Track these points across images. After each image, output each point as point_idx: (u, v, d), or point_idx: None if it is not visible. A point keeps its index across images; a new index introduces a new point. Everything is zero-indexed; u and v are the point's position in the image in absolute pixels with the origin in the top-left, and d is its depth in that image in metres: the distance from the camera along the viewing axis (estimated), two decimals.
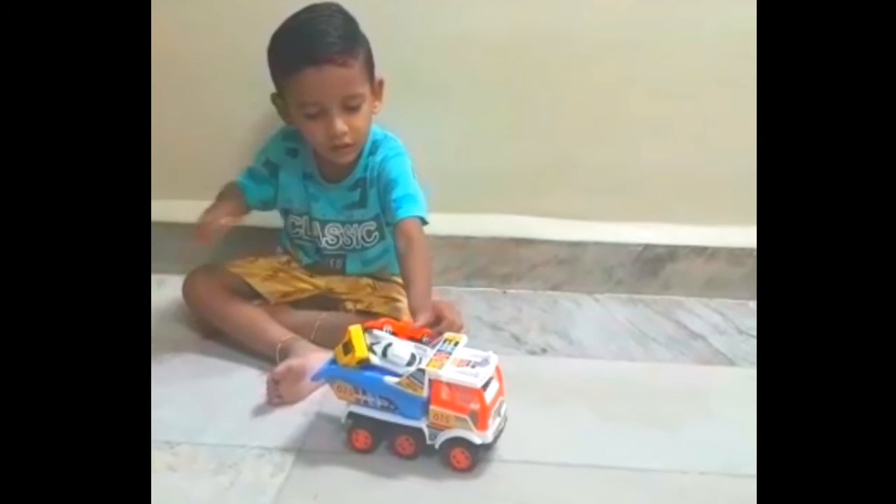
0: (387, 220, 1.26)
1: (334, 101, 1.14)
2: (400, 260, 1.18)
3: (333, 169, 1.26)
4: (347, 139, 1.17)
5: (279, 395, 1.12)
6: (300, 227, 1.31)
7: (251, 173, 1.29)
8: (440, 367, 0.96)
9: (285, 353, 1.17)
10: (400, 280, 1.35)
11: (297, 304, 1.31)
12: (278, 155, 1.27)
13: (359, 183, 1.26)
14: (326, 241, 1.29)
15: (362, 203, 1.27)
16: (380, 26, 1.22)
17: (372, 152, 1.25)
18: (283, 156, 1.27)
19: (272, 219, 1.38)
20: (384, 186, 1.24)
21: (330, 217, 1.28)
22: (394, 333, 1.01)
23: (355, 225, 1.28)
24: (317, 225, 1.29)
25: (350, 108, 1.16)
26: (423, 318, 1.03)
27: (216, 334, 1.28)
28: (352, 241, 1.29)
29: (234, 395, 1.15)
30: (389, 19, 1.23)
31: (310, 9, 1.17)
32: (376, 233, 1.30)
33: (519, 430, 1.02)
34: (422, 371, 0.95)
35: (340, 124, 1.15)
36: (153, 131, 0.90)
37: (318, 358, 1.11)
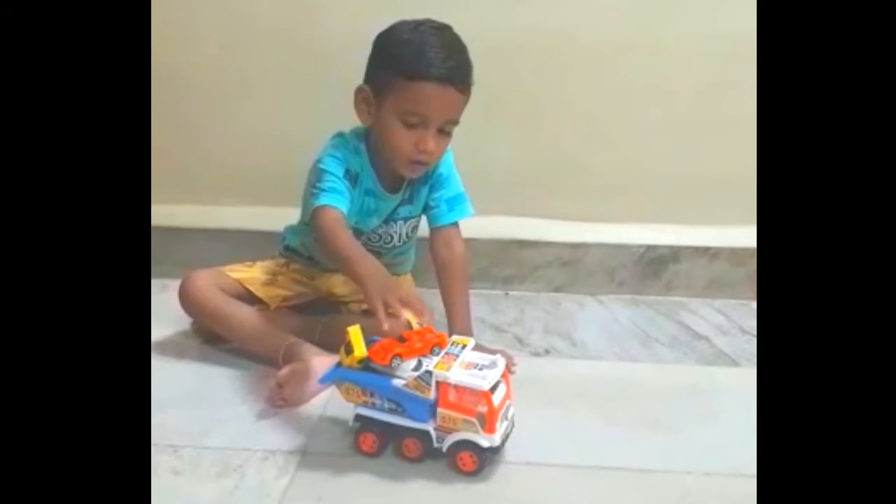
0: (430, 219, 1.28)
1: (438, 120, 1.14)
2: (441, 273, 1.25)
3: (391, 181, 1.24)
4: (431, 159, 1.17)
5: (283, 398, 1.12)
6: None
7: (331, 191, 1.17)
8: (448, 369, 0.95)
9: (289, 357, 1.17)
10: (405, 281, 1.36)
11: (298, 309, 1.31)
12: (356, 166, 1.21)
13: (410, 182, 1.26)
14: (368, 239, 1.28)
15: (410, 199, 1.27)
16: (382, 27, 1.22)
17: None
18: (359, 169, 1.22)
19: (270, 222, 1.38)
20: (433, 184, 1.26)
21: (378, 222, 1.27)
22: (399, 355, 0.98)
23: (400, 222, 1.28)
24: (365, 236, 1.27)
25: (444, 131, 1.16)
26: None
27: (219, 338, 1.27)
28: (392, 238, 1.29)
29: (238, 398, 1.15)
30: (390, 19, 1.22)
31: (435, 25, 1.15)
32: (416, 228, 1.31)
33: (523, 431, 1.02)
34: (429, 373, 0.95)
35: (433, 143, 1.15)
36: (160, 137, 0.90)
37: (321, 361, 1.11)
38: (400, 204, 1.27)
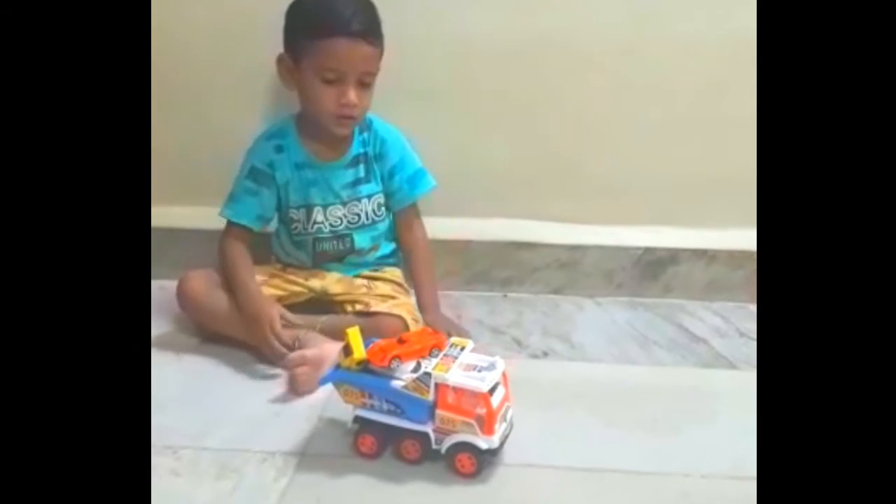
0: (393, 202, 1.33)
1: (354, 73, 1.21)
2: (407, 256, 1.35)
3: (327, 148, 1.29)
4: (355, 112, 1.22)
5: (302, 382, 1.13)
6: (299, 221, 1.31)
7: (234, 199, 1.30)
8: (446, 371, 0.96)
9: (298, 347, 1.18)
10: (396, 278, 1.37)
11: (294, 309, 1.30)
12: (267, 156, 1.29)
13: (359, 159, 1.31)
14: (330, 224, 1.31)
15: (368, 178, 1.31)
16: (383, 28, 1.22)
17: (365, 129, 1.31)
18: (273, 155, 1.29)
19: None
20: (390, 169, 1.31)
21: (330, 200, 1.30)
22: (398, 357, 0.98)
23: (364, 200, 1.32)
24: (317, 212, 1.30)
25: (363, 84, 1.22)
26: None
27: (216, 339, 1.27)
28: (359, 217, 1.32)
29: (237, 399, 1.15)
30: (391, 23, 1.23)
31: None
32: (384, 206, 1.34)
33: (521, 433, 1.02)
34: (428, 375, 0.95)
35: (353, 95, 1.21)
36: (156, 137, 0.90)
37: (331, 348, 1.14)
38: (357, 183, 1.30)
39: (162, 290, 1.30)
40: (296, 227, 1.32)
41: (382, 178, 1.33)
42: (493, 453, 0.97)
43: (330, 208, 1.31)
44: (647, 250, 1.45)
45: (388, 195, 1.34)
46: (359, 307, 1.30)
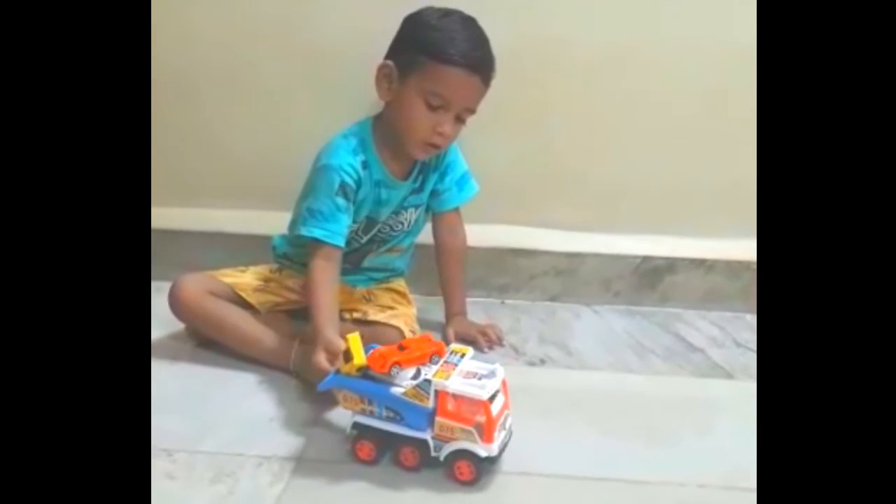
0: (439, 203, 1.32)
1: (458, 105, 1.18)
2: (443, 258, 1.35)
3: (399, 168, 1.26)
4: (444, 143, 1.20)
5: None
6: (355, 232, 1.27)
7: (325, 217, 1.19)
8: (447, 378, 0.95)
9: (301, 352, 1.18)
10: (399, 287, 1.37)
11: (290, 314, 1.30)
12: (356, 172, 1.21)
13: (420, 170, 1.29)
14: (378, 230, 1.29)
15: (421, 188, 1.30)
16: (382, 34, 1.22)
17: None
18: (361, 171, 1.22)
19: (266, 226, 1.37)
20: (443, 168, 1.30)
21: (389, 214, 1.29)
22: (398, 363, 0.98)
23: (410, 210, 1.30)
24: (375, 224, 1.28)
25: (460, 118, 1.20)
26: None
27: (213, 341, 1.26)
28: (403, 225, 1.31)
29: (233, 402, 1.14)
30: (390, 29, 1.22)
31: (463, 15, 1.20)
32: (423, 216, 1.33)
33: (518, 441, 1.02)
34: (428, 381, 0.95)
35: (450, 128, 1.18)
36: (156, 139, 0.89)
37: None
38: (411, 193, 1.28)
39: (160, 291, 1.28)
40: (348, 235, 1.26)
41: (433, 183, 1.30)
42: (491, 461, 0.97)
43: (386, 220, 1.29)
44: (645, 259, 1.45)
45: (436, 195, 1.31)
46: (356, 315, 1.29)
